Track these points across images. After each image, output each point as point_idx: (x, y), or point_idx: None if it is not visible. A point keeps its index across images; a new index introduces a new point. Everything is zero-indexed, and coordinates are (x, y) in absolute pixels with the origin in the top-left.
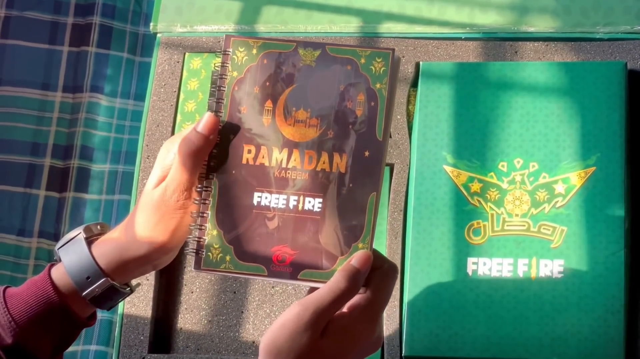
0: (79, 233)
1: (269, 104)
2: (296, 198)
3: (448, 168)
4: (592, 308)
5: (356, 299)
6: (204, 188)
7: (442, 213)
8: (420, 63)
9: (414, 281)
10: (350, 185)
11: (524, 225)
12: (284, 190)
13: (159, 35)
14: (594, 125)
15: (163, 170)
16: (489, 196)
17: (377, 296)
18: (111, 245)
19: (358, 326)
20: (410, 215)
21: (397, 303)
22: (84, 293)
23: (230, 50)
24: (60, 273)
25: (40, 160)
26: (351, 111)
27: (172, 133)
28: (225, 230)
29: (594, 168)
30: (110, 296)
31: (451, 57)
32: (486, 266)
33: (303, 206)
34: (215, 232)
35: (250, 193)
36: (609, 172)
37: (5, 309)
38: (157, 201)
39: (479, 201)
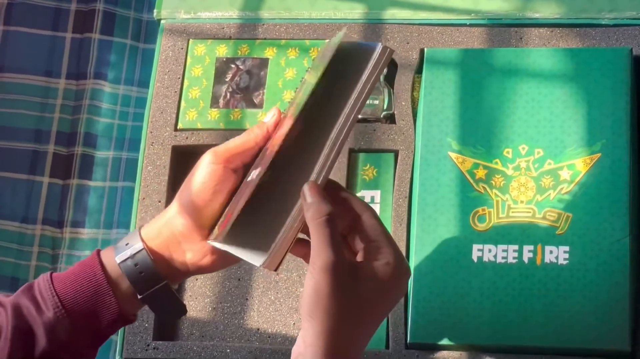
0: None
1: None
2: (253, 171)
3: (453, 155)
4: (597, 294)
5: (371, 246)
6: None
7: (447, 200)
8: (425, 49)
9: (419, 268)
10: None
11: (529, 212)
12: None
13: (162, 21)
14: (599, 111)
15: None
16: (494, 183)
17: (382, 237)
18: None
19: (386, 267)
20: (415, 201)
21: None
22: (117, 256)
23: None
24: (108, 252)
25: (44, 147)
26: None
27: (176, 120)
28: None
29: (599, 155)
30: (144, 272)
31: (456, 44)
32: (491, 253)
33: (249, 177)
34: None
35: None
36: (615, 158)
37: (53, 289)
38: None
39: (484, 187)
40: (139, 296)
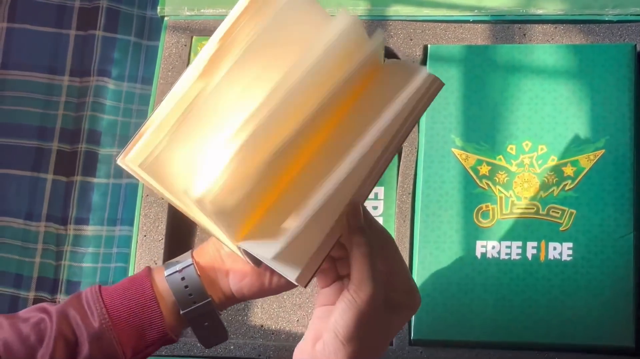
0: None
1: None
2: None
3: (456, 151)
4: (601, 291)
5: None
6: None
7: (451, 196)
8: (429, 46)
9: (423, 264)
10: None
11: (533, 208)
12: None
13: (166, 18)
14: (603, 107)
15: None
16: (497, 179)
17: (401, 268)
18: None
19: (407, 299)
20: (418, 198)
21: None
22: (166, 271)
23: None
24: (158, 271)
25: (48, 144)
26: None
27: None
28: None
29: (602, 151)
30: (192, 291)
31: (459, 40)
32: (495, 250)
33: None
34: None
35: None
36: (618, 154)
37: (100, 299)
38: None
39: (487, 184)
40: (181, 312)
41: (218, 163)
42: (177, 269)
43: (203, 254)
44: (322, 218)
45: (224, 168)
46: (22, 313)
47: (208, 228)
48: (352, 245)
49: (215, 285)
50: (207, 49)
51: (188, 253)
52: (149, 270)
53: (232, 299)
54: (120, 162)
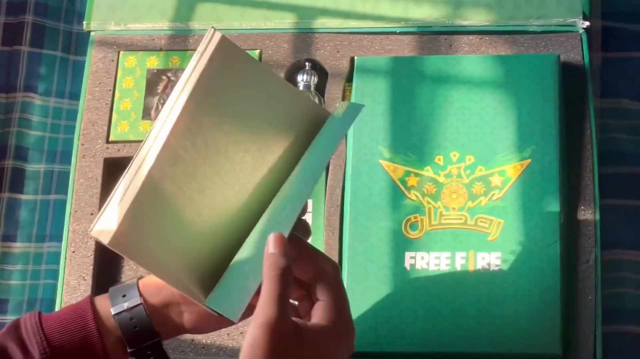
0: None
1: None
2: None
3: (384, 163)
4: (528, 299)
5: (323, 306)
6: None
7: (379, 208)
8: (355, 58)
9: (352, 276)
10: None
11: (461, 219)
12: None
13: (92, 33)
14: (529, 117)
15: None
16: (425, 190)
17: (331, 299)
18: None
19: (331, 332)
20: (347, 210)
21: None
22: (113, 308)
23: None
24: (102, 301)
25: None
26: None
27: (108, 132)
28: None
29: (529, 161)
30: (139, 327)
31: (386, 52)
32: (424, 260)
33: None
34: None
35: None
36: (544, 164)
37: (40, 330)
38: None
39: (416, 195)
40: (129, 350)
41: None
42: (126, 308)
43: (155, 293)
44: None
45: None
46: None
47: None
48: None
49: (166, 324)
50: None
51: (134, 286)
52: (91, 300)
53: (182, 332)
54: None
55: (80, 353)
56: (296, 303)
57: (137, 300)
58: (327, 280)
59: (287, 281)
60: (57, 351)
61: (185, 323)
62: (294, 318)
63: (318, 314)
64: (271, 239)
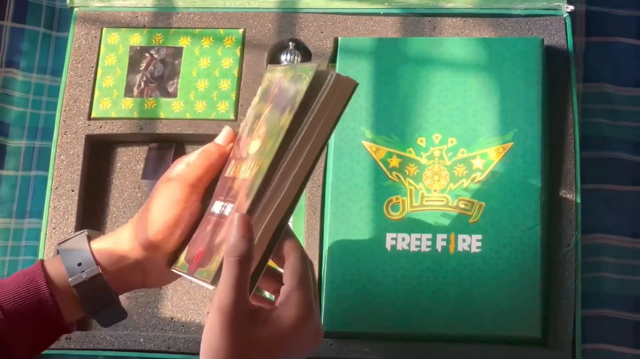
0: (83, 231)
1: (256, 122)
2: (224, 204)
3: (367, 144)
4: (509, 282)
5: (283, 291)
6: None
7: (361, 189)
8: (339, 38)
9: (333, 256)
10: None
11: (443, 200)
12: (222, 197)
13: (75, 9)
14: (512, 100)
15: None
16: (407, 172)
17: (296, 284)
18: (107, 237)
19: (287, 314)
20: (328, 190)
21: (315, 277)
22: (71, 279)
23: (267, 75)
24: (53, 264)
25: None
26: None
27: (90, 108)
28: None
29: (511, 144)
30: (98, 295)
31: (370, 33)
32: (405, 242)
33: (224, 211)
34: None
35: (212, 201)
36: (526, 147)
37: None
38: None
39: (397, 176)
40: (86, 313)
41: None
42: (84, 279)
43: (115, 262)
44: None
45: None
46: None
47: None
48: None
49: (125, 286)
50: None
51: (86, 247)
52: (42, 265)
53: (136, 288)
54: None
55: (35, 317)
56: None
57: (95, 270)
58: (293, 266)
59: (245, 266)
60: (11, 316)
61: (140, 283)
62: (255, 303)
63: (280, 300)
64: (235, 221)
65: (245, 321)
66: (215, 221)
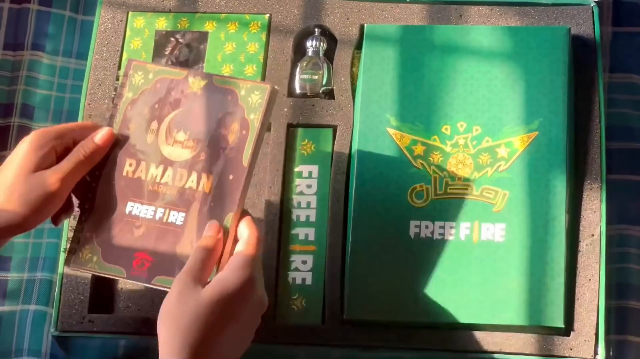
0: None
1: (154, 124)
2: (163, 210)
3: (391, 131)
4: (532, 272)
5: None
6: (85, 195)
7: (385, 176)
8: (365, 25)
9: (356, 243)
10: (212, 204)
11: (467, 189)
12: (154, 202)
13: None
14: (537, 90)
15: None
16: (432, 159)
17: (241, 251)
18: None
19: (231, 274)
20: (353, 177)
21: (339, 264)
22: None
23: (131, 72)
24: None
25: None
26: (224, 137)
27: (115, 92)
28: (97, 234)
29: (536, 133)
30: None
31: (396, 20)
32: (428, 229)
33: (167, 219)
34: (88, 234)
35: (124, 202)
36: (552, 136)
37: None
38: (38, 180)
39: (422, 164)
40: None
41: None
42: None
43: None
44: None
45: None
46: None
47: None
48: None
49: None
50: None
51: None
52: None
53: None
54: None
55: None
56: None
57: None
58: (244, 238)
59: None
60: None
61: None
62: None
63: (224, 265)
64: (208, 226)
65: (193, 284)
66: (157, 228)
